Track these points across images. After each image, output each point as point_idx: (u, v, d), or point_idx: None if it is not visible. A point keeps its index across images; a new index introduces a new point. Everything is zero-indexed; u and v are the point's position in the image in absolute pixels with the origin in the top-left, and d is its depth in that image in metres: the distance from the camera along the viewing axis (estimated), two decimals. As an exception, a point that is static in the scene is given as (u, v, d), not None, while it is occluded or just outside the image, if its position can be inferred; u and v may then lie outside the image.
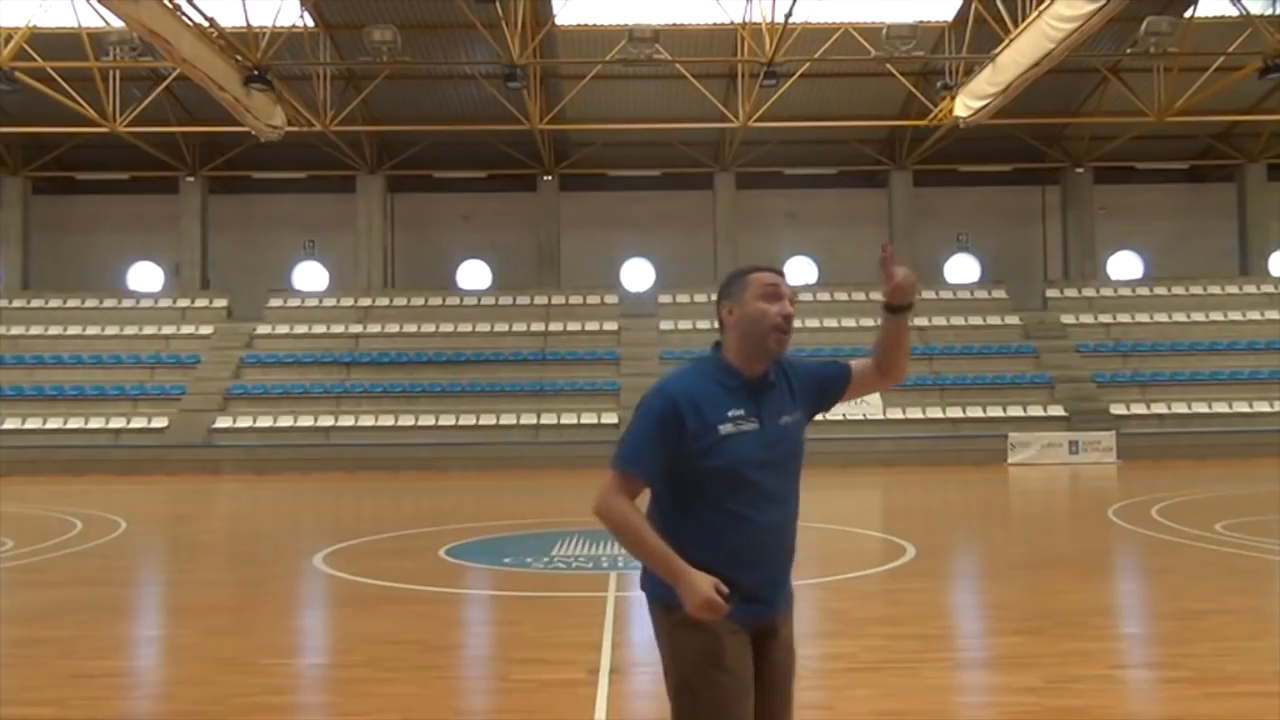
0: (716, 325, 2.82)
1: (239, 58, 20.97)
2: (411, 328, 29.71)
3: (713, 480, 2.65)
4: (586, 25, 25.32)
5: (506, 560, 10.35)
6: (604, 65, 24.23)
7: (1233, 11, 22.47)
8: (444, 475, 23.36)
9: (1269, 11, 23.41)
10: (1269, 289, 31.09)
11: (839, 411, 27.46)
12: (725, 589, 2.54)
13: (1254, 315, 29.71)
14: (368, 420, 26.60)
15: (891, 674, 5.67)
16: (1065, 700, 5.15)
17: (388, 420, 26.59)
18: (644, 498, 2.78)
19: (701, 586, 2.54)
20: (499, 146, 30.29)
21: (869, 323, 29.59)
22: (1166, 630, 7.02)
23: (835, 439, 25.64)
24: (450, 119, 28.05)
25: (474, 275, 34.19)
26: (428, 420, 26.53)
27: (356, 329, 29.92)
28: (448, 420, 26.52)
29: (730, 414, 2.66)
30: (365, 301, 31.04)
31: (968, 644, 6.87)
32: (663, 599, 2.72)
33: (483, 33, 22.86)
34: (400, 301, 31.07)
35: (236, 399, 27.41)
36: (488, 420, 26.51)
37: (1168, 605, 7.93)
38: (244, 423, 26.52)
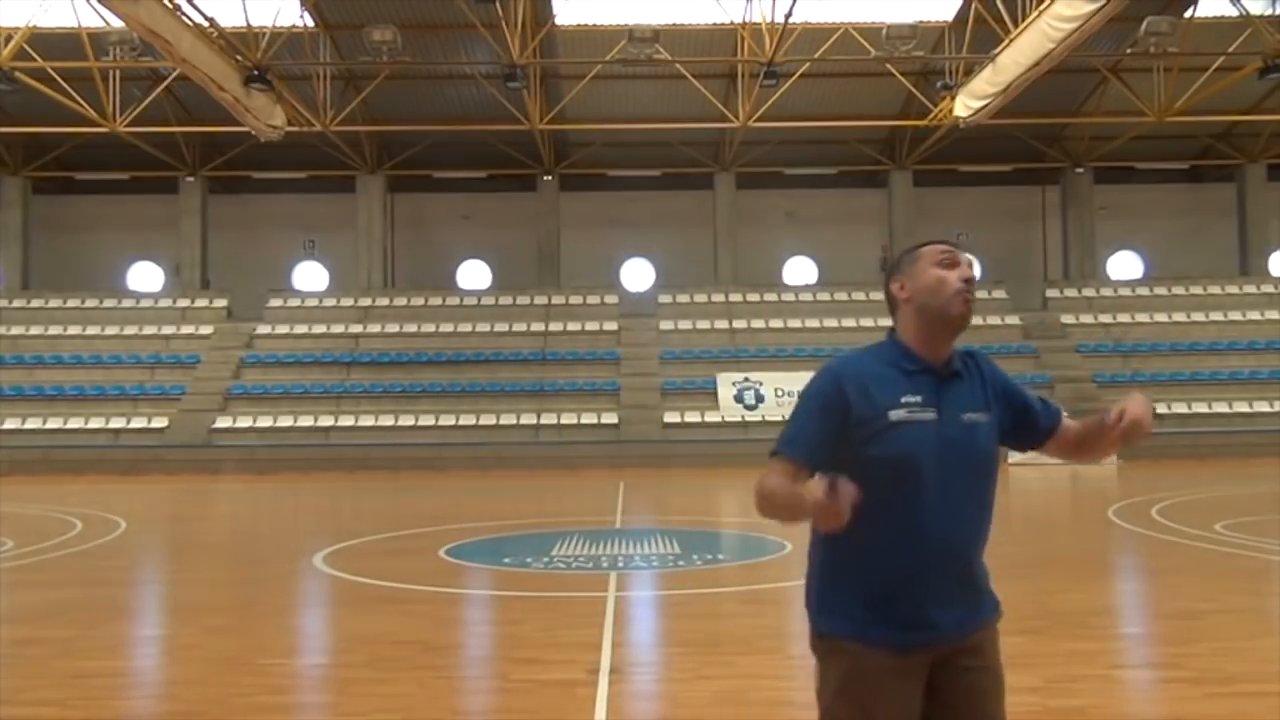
0: (886, 307, 2.62)
1: (239, 58, 20.97)
2: (411, 328, 29.71)
3: (879, 472, 2.34)
4: (586, 25, 25.33)
5: (506, 560, 10.35)
6: (604, 65, 24.24)
7: (1232, 12, 22.47)
8: (444, 475, 23.36)
9: (1269, 12, 23.40)
10: (1269, 289, 31.08)
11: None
12: (846, 485, 2.18)
13: (1254, 315, 29.70)
14: (368, 420, 26.60)
15: (891, 674, 5.66)
16: (1065, 700, 5.15)
17: (388, 420, 26.58)
18: None
19: (815, 493, 2.20)
20: (499, 146, 30.30)
21: (869, 323, 29.58)
22: (1166, 630, 7.02)
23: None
24: (450, 119, 28.06)
25: (474, 275, 34.20)
26: (428, 420, 26.53)
27: (356, 329, 29.91)
28: (448, 420, 26.52)
29: (904, 399, 2.40)
30: (365, 301, 31.04)
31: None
32: (814, 622, 2.52)
33: (483, 33, 22.86)
34: (400, 301, 31.08)
35: (236, 399, 27.41)
36: (488, 420, 26.51)
37: (1167, 605, 7.93)
38: (244, 423, 26.51)
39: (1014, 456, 24.37)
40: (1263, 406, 26.40)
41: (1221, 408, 26.54)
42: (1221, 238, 33.49)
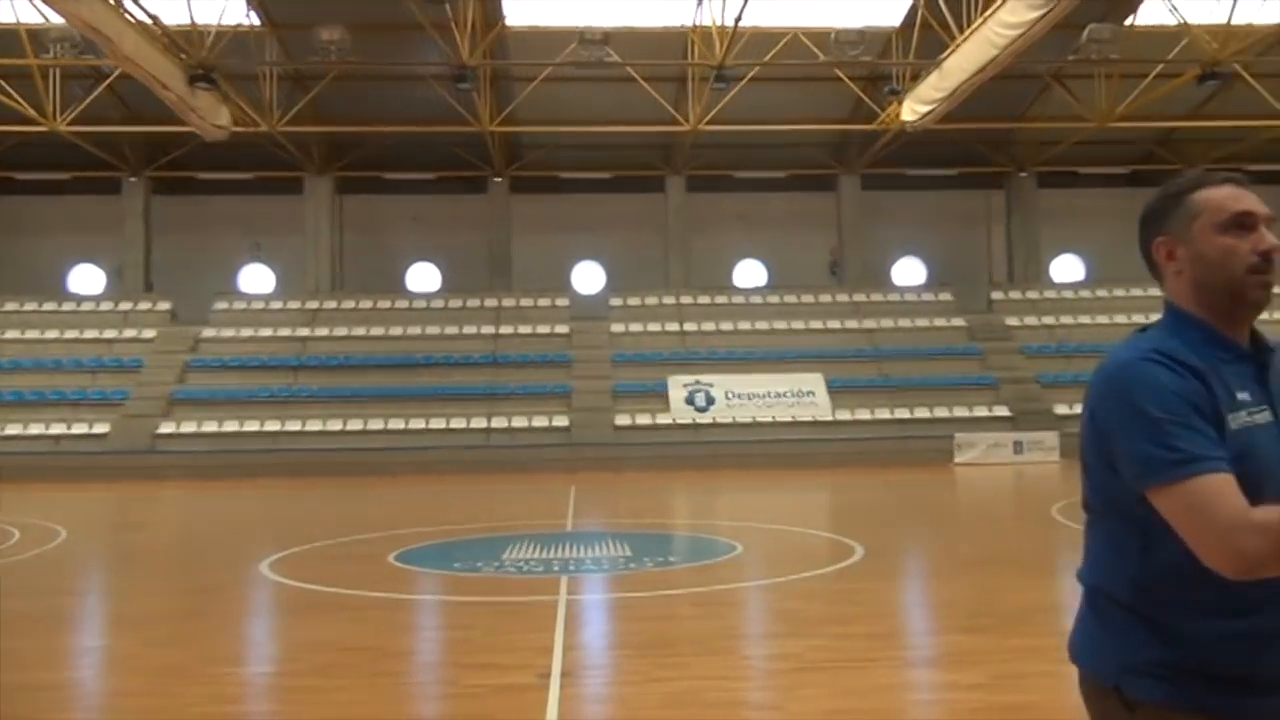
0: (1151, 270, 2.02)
1: (184, 56, 20.63)
2: (360, 331, 29.42)
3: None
4: (537, 27, 25.27)
5: (457, 565, 10.29)
6: (555, 67, 24.19)
7: (1171, 20, 22.97)
8: (393, 480, 23.16)
9: (1207, 21, 23.94)
10: (1206, 291, 31.79)
11: (788, 412, 27.77)
12: None
13: (1192, 317, 30.35)
14: (315, 425, 26.27)
15: (840, 673, 5.72)
16: (1012, 696, 5.23)
17: (336, 425, 26.29)
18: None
19: None
20: (449, 148, 30.12)
21: (817, 324, 29.85)
22: (1109, 626, 7.15)
23: (784, 440, 25.86)
24: (399, 120, 27.81)
25: (424, 278, 33.94)
26: (377, 424, 26.27)
27: (304, 332, 29.55)
28: (397, 424, 26.28)
29: (1239, 396, 1.82)
30: (313, 304, 30.68)
31: (916, 642, 6.95)
32: (1116, 684, 1.90)
33: (432, 34, 22.70)
34: (349, 304, 30.75)
35: (181, 404, 26.94)
36: (438, 424, 26.32)
37: (1110, 602, 8.08)
38: (189, 428, 26.07)
39: (960, 457, 24.85)
40: (1201, 406, 26.99)
41: (1083, 412, 27.08)
42: (1161, 241, 34.21)
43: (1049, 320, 30.72)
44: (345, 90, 26.70)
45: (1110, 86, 26.10)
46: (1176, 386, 1.79)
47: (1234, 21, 22.35)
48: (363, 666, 6.04)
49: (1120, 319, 30.39)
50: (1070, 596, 7.99)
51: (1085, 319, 30.56)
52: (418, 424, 26.24)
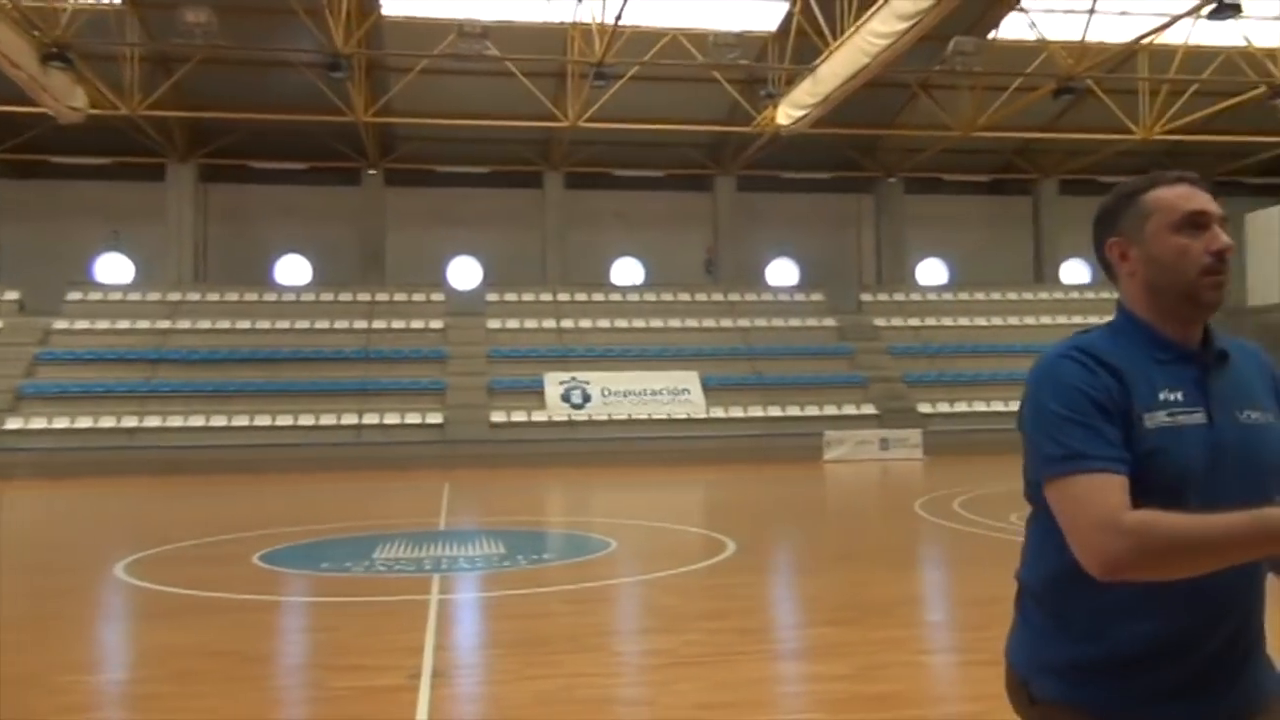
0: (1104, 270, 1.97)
1: (37, 33, 19.56)
2: (225, 324, 28.41)
3: (1148, 496, 1.69)
4: (414, 17, 24.83)
5: (325, 565, 10.04)
6: (432, 59, 23.83)
7: (1031, 36, 24.02)
8: (259, 478, 22.45)
9: (1063, 38, 25.10)
10: (1060, 295, 33.40)
11: (664, 410, 28.00)
12: None
13: (1046, 320, 31.82)
14: (176, 421, 25.28)
15: (712, 667, 5.80)
16: (876, 686, 5.39)
17: (198, 421, 25.34)
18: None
19: None
20: (321, 138, 29.34)
21: (693, 323, 30.19)
22: (967, 616, 7.44)
23: (659, 437, 26.07)
24: (269, 107, 26.95)
25: (293, 270, 32.99)
26: (242, 420, 25.43)
27: (165, 324, 28.38)
28: (264, 420, 25.50)
29: (1163, 396, 1.77)
30: (175, 296, 29.50)
31: (785, 635, 7.10)
32: (1024, 679, 1.90)
33: (305, 20, 22.09)
34: (213, 296, 29.67)
35: (30, 399, 25.55)
36: (307, 420, 25.64)
37: (968, 592, 8.41)
38: (38, 424, 24.75)
39: (829, 454, 25.49)
40: (1054, 405, 28.28)
41: (1018, 406, 28.28)
42: (1019, 247, 35.77)
43: (914, 321, 31.76)
44: (211, 74, 25.73)
45: (973, 97, 27.17)
46: (1084, 383, 1.77)
47: (1088, 39, 23.51)
48: (222, 672, 5.84)
49: (981, 321, 31.65)
50: (930, 589, 8.31)
51: (948, 320, 31.70)
52: (285, 420, 25.52)
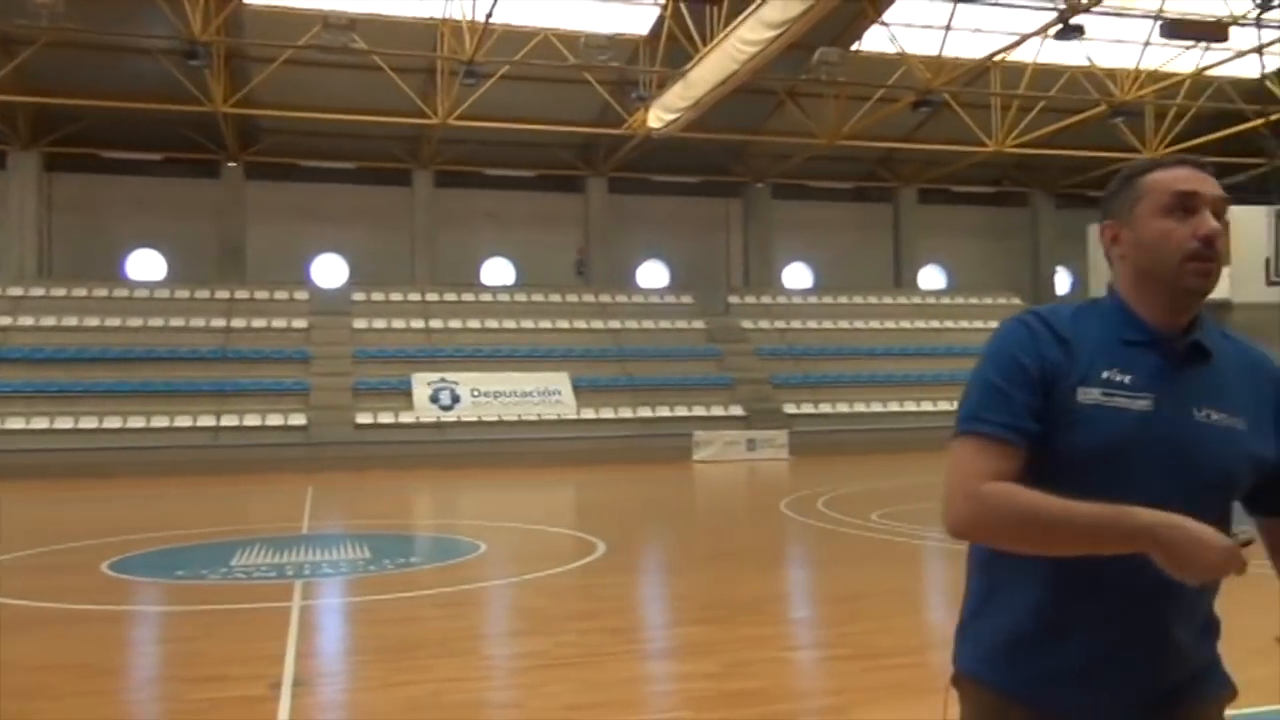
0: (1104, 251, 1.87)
1: None
2: (72, 321, 26.98)
3: (1050, 463, 1.71)
4: (277, 7, 24.07)
5: (180, 573, 9.66)
6: (296, 50, 23.15)
7: (892, 49, 24.85)
8: (109, 482, 21.42)
9: (922, 52, 26.04)
10: (918, 300, 34.66)
11: (534, 411, 27.88)
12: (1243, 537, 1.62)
13: (905, 324, 32.97)
14: (17, 423, 23.88)
15: (582, 668, 5.81)
16: (742, 683, 5.49)
17: (42, 423, 23.99)
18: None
19: (1194, 528, 1.58)
20: (178, 128, 28.16)
21: (565, 324, 30.17)
22: (831, 613, 7.65)
23: (530, 439, 25.97)
24: (121, 94, 25.71)
25: (147, 266, 31.58)
26: (90, 423, 24.19)
27: (5, 320, 26.78)
28: (114, 422, 24.32)
29: (1105, 376, 1.73)
30: (16, 291, 27.87)
31: (654, 634, 7.16)
32: (961, 664, 1.89)
33: (161, 5, 21.20)
34: (59, 292, 28.14)
35: None
36: (161, 422, 24.58)
37: (832, 589, 8.65)
38: None
39: (698, 454, 25.83)
40: (911, 406, 29.33)
41: (878, 407, 29.24)
42: (881, 253, 36.93)
43: (780, 324, 32.45)
44: (59, 58, 24.41)
45: (837, 107, 27.94)
46: (1019, 348, 1.75)
47: (945, 54, 24.48)
48: (68, 686, 5.56)
49: (844, 324, 32.57)
50: (795, 587, 8.48)
51: (813, 323, 32.51)
52: (137, 422, 24.41)
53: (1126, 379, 1.73)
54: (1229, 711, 1.87)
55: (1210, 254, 1.76)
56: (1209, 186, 1.78)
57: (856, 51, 25.41)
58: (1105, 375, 1.73)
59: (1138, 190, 1.80)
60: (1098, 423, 1.71)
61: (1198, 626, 1.79)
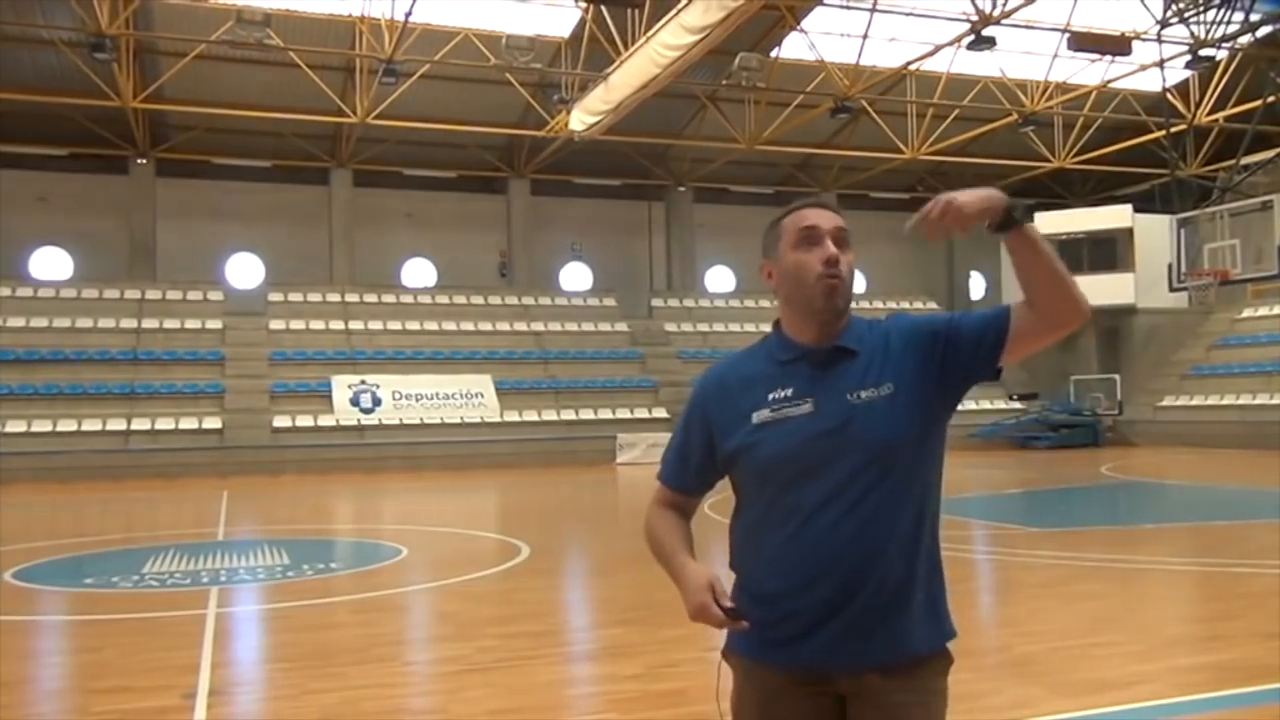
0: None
1: None
2: (-30, 321, 26.03)
3: (750, 478, 2.15)
4: (188, 1, 23.49)
5: (88, 581, 9.38)
6: (209, 45, 22.64)
7: (811, 56, 25.22)
8: (11, 488, 20.64)
9: (840, 60, 26.50)
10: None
11: (457, 413, 27.64)
12: (727, 600, 2.07)
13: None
14: (-88, 428, 22.95)
15: (504, 673, 5.78)
16: (665, 684, 5.52)
17: (-62, 427, 23.10)
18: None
19: (694, 584, 2.08)
20: (83, 122, 27.30)
21: (487, 326, 29.99)
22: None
23: (452, 442, 25.74)
24: (23, 87, 24.87)
25: (51, 264, 30.54)
26: (-9, 427, 23.35)
27: (-102, 322, 25.72)
28: (17, 427, 23.47)
29: (772, 397, 2.10)
30: (-90, 290, 26.78)
31: (577, 637, 7.16)
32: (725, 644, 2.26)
33: (66, -5, 20.59)
34: (-43, 291, 27.11)
35: None
36: (67, 426, 23.79)
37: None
38: None
39: (622, 456, 25.87)
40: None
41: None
42: (800, 257, 37.36)
43: (703, 327, 32.67)
44: (-45, 49, 23.56)
45: (757, 112, 28.28)
46: (690, 417, 2.26)
47: (862, 62, 24.91)
48: (-30, 701, 5.36)
49: (765, 327, 32.32)
50: (724, 586, 8.44)
51: (735, 326, 32.77)
52: (42, 426, 23.61)
53: (789, 393, 2.10)
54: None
55: (834, 272, 2.10)
56: (827, 219, 2.13)
57: (776, 58, 25.74)
58: (772, 396, 2.11)
59: (779, 231, 2.17)
60: (775, 434, 2.08)
61: (884, 594, 2.05)
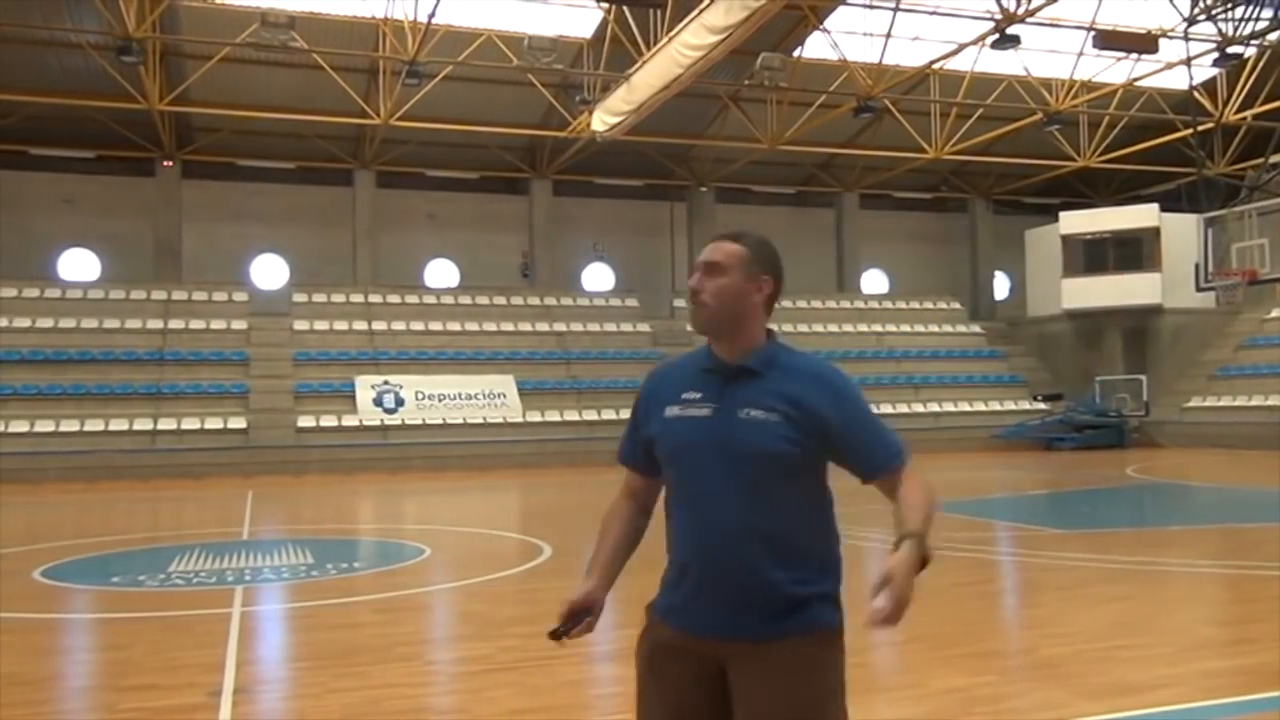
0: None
1: None
2: (1, 322, 26.26)
3: (664, 462, 2.51)
4: (214, 3, 23.69)
5: (115, 580, 9.47)
6: (234, 48, 22.81)
7: (833, 56, 25.14)
8: (39, 488, 20.91)
9: (863, 59, 26.39)
10: (860, 304, 35.04)
11: (479, 414, 27.67)
12: (570, 612, 2.60)
13: (848, 328, 33.34)
14: (-57, 427, 23.23)
15: (527, 672, 5.79)
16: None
17: (-32, 427, 23.37)
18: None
19: (567, 599, 2.62)
20: (110, 125, 27.55)
21: (509, 327, 30.05)
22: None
23: (475, 442, 25.82)
24: (50, 90, 25.14)
25: (79, 266, 30.86)
26: (20, 426, 23.57)
27: (-70, 322, 26.04)
28: (45, 426, 23.73)
29: (684, 395, 2.46)
30: (-58, 291, 27.11)
31: (599, 638, 7.10)
32: None
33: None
34: (-13, 292, 27.42)
35: None
36: (94, 426, 24.02)
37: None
38: None
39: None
40: (854, 408, 29.62)
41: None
42: (822, 257, 37.28)
43: (725, 327, 32.54)
44: (-15, 53, 23.85)
45: (780, 112, 28.20)
46: (640, 393, 2.61)
47: (885, 62, 24.80)
48: (-1, 697, 5.42)
49: (788, 327, 32.78)
50: (740, 587, 8.21)
51: (756, 327, 32.69)
52: (70, 426, 23.84)
53: (698, 396, 2.44)
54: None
55: (694, 300, 2.49)
56: (706, 253, 2.50)
57: (798, 58, 25.67)
58: (684, 396, 2.46)
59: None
60: (678, 429, 2.44)
61: (752, 580, 2.35)
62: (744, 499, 2.35)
